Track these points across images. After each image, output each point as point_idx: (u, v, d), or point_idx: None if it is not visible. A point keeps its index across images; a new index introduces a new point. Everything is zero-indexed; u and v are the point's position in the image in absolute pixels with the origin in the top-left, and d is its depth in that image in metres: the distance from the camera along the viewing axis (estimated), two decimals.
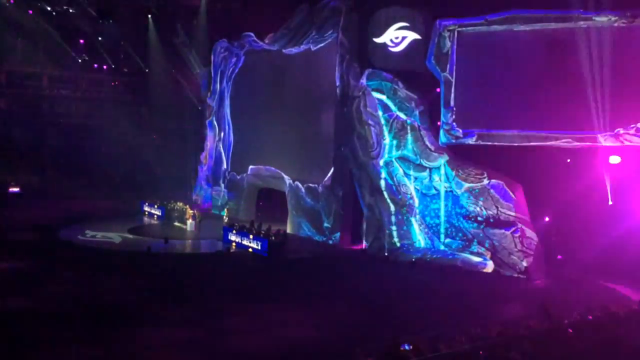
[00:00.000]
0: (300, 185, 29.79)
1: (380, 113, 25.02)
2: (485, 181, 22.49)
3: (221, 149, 36.38)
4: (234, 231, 26.46)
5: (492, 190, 22.32)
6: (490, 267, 22.19)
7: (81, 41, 45.73)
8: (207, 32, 36.97)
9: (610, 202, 20.94)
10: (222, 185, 36.03)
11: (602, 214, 20.86)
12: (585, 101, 21.67)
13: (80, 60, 47.54)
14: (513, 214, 21.83)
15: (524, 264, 21.36)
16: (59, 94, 49.74)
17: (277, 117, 32.22)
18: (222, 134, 36.42)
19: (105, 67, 48.18)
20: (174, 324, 15.46)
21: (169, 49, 40.30)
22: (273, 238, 25.00)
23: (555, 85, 22.14)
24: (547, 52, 22.38)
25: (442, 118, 24.06)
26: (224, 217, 30.55)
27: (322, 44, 28.81)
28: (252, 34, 32.54)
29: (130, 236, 28.09)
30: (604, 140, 21.33)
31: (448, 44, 23.81)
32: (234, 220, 29.80)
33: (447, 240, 23.67)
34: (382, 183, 24.97)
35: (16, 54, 46.76)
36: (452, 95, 23.94)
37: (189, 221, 30.08)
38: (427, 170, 24.03)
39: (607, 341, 8.00)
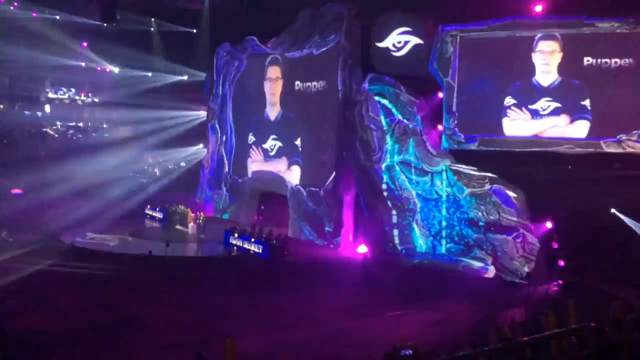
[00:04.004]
0: (302, 189, 29.78)
1: (382, 117, 25.03)
2: (487, 186, 22.48)
3: (223, 152, 36.38)
4: (236, 235, 26.48)
5: (493, 196, 22.30)
6: (491, 272, 22.16)
7: (84, 44, 45.86)
8: (210, 35, 37.05)
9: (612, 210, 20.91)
10: (224, 188, 36.02)
11: (604, 219, 20.81)
12: (587, 107, 21.73)
13: (83, 63, 47.65)
14: (515, 219, 21.80)
15: (526, 269, 21.30)
16: (62, 96, 49.86)
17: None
18: (224, 137, 36.41)
19: (108, 70, 48.31)
20: (176, 325, 15.49)
21: (172, 52, 40.41)
22: (274, 242, 25.02)
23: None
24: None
25: (444, 123, 24.06)
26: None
27: (324, 48, 28.81)
28: (254, 38, 32.56)
29: (132, 239, 28.11)
30: (607, 147, 21.32)
31: (450, 49, 23.82)
32: (235, 223, 29.78)
33: (449, 244, 23.65)
34: (384, 187, 24.96)
35: (19, 56, 46.88)
36: (454, 100, 23.96)
37: (191, 224, 30.11)
38: (429, 174, 24.01)
39: (608, 347, 7.96)
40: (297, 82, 31.03)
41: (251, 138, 34.22)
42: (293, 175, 30.90)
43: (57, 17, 41.07)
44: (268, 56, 32.73)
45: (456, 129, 23.83)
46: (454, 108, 23.94)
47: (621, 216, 20.75)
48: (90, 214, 30.70)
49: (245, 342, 14.52)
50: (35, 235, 26.63)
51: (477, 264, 22.48)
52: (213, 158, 37.10)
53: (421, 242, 24.35)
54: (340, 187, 27.26)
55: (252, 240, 25.46)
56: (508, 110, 23.17)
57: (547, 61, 22.48)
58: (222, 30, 35.53)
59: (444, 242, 23.80)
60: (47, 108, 49.14)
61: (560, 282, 20.84)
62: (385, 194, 24.94)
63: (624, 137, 21.03)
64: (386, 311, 17.51)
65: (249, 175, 34.31)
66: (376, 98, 25.11)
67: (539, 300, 18.19)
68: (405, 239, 24.56)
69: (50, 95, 48.33)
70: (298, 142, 30.78)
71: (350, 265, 24.45)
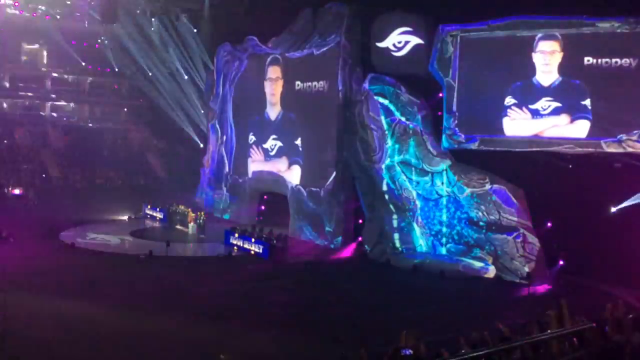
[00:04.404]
0: (302, 189, 29.78)
1: (382, 117, 25.02)
2: (488, 186, 22.47)
3: (223, 152, 36.39)
4: (236, 235, 26.50)
5: (494, 195, 22.29)
6: (492, 272, 22.17)
7: (84, 44, 45.92)
8: (211, 35, 37.07)
9: (612, 209, 20.90)
10: (224, 188, 36.03)
11: (604, 220, 20.81)
12: (587, 107, 21.73)
13: (83, 63, 47.76)
14: (515, 219, 21.80)
15: (526, 269, 21.32)
16: (62, 96, 49.94)
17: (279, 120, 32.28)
18: (224, 137, 36.43)
19: (108, 69, 48.38)
20: (176, 326, 15.50)
21: (172, 52, 40.48)
22: (274, 242, 25.03)
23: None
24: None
25: (445, 123, 24.05)
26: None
27: (324, 48, 28.79)
28: (255, 38, 32.57)
29: (132, 239, 28.13)
30: (607, 147, 21.32)
31: (451, 49, 23.81)
32: (235, 223, 29.80)
33: (449, 245, 23.65)
34: (384, 187, 24.96)
35: (19, 56, 46.94)
36: (455, 100, 23.95)
37: (191, 224, 30.11)
38: (429, 174, 24.00)
39: (609, 348, 7.96)
40: (298, 82, 31.02)
41: (251, 138, 34.23)
42: (293, 175, 30.90)
43: (58, 17, 41.11)
44: (268, 56, 32.74)
45: (456, 128, 23.81)
46: (454, 108, 23.93)
47: (625, 203, 20.68)
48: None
49: (246, 342, 14.56)
50: (35, 235, 26.65)
51: (478, 264, 22.49)
52: (213, 158, 37.12)
53: (421, 242, 24.35)
54: (340, 187, 27.26)
55: (253, 240, 25.47)
56: (508, 110, 23.17)
57: (547, 61, 22.46)
58: (222, 30, 35.52)
59: (444, 242, 23.80)
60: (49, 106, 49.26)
61: (561, 282, 20.88)
62: (385, 193, 24.94)
63: (624, 137, 21.01)
64: (386, 310, 17.54)
65: (250, 175, 34.31)
66: (376, 98, 25.10)
67: (539, 300, 18.20)
68: (406, 239, 24.57)
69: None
70: (298, 142, 30.78)
71: (351, 265, 24.49)
